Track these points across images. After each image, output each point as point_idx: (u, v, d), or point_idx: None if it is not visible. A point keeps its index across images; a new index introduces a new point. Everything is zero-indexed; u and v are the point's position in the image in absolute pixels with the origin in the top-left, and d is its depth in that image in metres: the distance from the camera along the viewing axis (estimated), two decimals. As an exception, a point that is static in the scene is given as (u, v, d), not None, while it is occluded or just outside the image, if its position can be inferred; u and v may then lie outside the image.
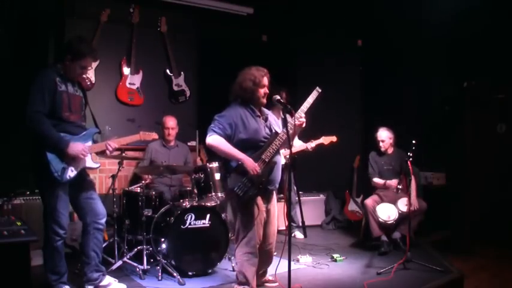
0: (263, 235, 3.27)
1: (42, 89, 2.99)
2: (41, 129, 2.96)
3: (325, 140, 4.99)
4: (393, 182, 4.81)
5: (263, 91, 3.20)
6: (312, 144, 4.98)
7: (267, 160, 3.12)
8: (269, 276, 3.55)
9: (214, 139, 3.11)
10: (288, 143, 3.04)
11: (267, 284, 3.54)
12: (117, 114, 5.31)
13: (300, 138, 5.11)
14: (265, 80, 3.20)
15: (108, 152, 3.30)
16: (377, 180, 5.00)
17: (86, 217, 3.26)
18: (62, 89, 3.09)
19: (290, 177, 3.12)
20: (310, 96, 3.22)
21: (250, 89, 3.17)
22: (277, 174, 3.21)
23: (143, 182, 4.30)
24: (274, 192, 3.40)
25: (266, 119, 3.30)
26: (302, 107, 3.20)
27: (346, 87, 6.40)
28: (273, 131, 3.25)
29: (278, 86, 4.99)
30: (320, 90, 3.23)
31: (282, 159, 5.08)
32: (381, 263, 4.24)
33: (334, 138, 5.00)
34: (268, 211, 3.29)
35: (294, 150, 5.00)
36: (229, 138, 3.14)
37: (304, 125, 3.21)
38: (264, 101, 3.22)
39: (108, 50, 5.23)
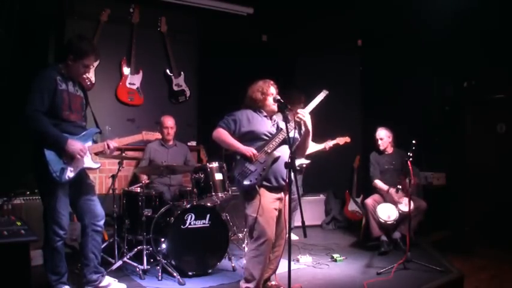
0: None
1: (41, 87, 2.99)
2: (39, 127, 2.96)
3: (340, 140, 5.23)
4: (394, 193, 4.74)
5: (271, 99, 3.38)
6: (329, 144, 5.18)
7: (269, 151, 3.23)
8: (272, 281, 3.50)
9: (217, 132, 3.34)
10: (288, 143, 3.04)
11: None
12: (117, 114, 5.31)
13: (313, 139, 5.18)
14: (272, 89, 3.41)
15: (108, 151, 3.29)
16: (380, 184, 4.97)
17: (85, 218, 3.26)
18: (63, 87, 3.08)
19: (290, 177, 3.09)
20: (317, 98, 3.29)
21: (259, 99, 3.40)
22: (282, 168, 3.20)
23: (143, 182, 4.30)
24: (287, 195, 3.34)
25: (274, 121, 3.45)
26: (307, 107, 3.27)
27: (346, 87, 6.39)
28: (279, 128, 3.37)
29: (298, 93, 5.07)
30: (327, 93, 3.30)
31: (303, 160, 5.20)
32: (381, 263, 4.25)
33: (348, 139, 5.24)
34: (279, 211, 3.29)
35: (310, 151, 5.09)
36: (233, 133, 3.32)
37: (303, 120, 3.20)
38: (275, 108, 3.39)
39: (108, 50, 5.23)
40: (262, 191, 3.20)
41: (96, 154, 3.36)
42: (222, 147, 3.45)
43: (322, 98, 3.30)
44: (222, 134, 3.31)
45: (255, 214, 3.16)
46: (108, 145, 3.27)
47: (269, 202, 3.20)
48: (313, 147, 5.23)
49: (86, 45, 3.14)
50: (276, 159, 3.21)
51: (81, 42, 3.14)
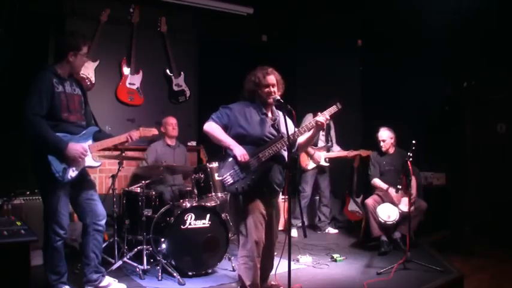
0: (264, 239, 3.15)
1: (39, 91, 3.00)
2: (39, 132, 2.97)
3: (363, 152, 5.56)
4: (393, 193, 4.73)
5: (267, 90, 3.10)
6: (351, 153, 5.60)
7: (263, 159, 3.02)
8: (271, 281, 3.47)
9: (209, 125, 3.11)
10: (289, 144, 2.99)
11: None
12: (117, 114, 5.32)
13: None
14: (269, 79, 3.10)
15: (130, 142, 3.38)
16: (379, 183, 4.96)
17: (86, 218, 3.26)
18: (60, 90, 3.09)
19: (289, 178, 3.07)
20: (328, 110, 3.12)
21: (252, 90, 3.13)
22: (275, 176, 3.10)
23: (143, 182, 4.30)
24: (280, 197, 3.31)
25: (275, 120, 3.18)
26: (317, 117, 3.08)
27: (346, 87, 6.39)
28: (280, 133, 3.13)
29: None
30: (340, 106, 3.15)
31: (323, 161, 5.50)
32: (381, 263, 4.24)
33: (370, 153, 5.43)
34: (270, 215, 3.19)
35: (334, 155, 5.58)
36: (225, 128, 3.10)
37: (323, 127, 3.14)
38: (271, 101, 3.10)
39: (108, 50, 5.24)
40: (251, 196, 3.06)
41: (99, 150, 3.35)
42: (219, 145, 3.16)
43: (334, 111, 3.16)
44: (214, 128, 3.07)
45: (241, 219, 3.08)
46: (130, 137, 3.35)
47: (257, 207, 3.08)
48: (336, 153, 5.62)
49: (78, 37, 3.19)
50: (269, 168, 3.05)
51: (74, 36, 3.18)
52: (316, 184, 5.77)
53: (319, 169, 5.68)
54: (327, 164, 5.66)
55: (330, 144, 5.67)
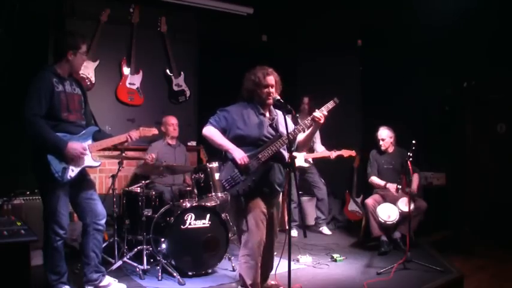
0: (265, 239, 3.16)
1: (39, 91, 3.00)
2: (38, 132, 2.97)
3: (344, 152, 5.43)
4: (393, 187, 4.77)
5: (266, 91, 3.09)
6: (334, 154, 5.41)
7: (262, 160, 3.01)
8: (271, 281, 3.47)
9: (207, 129, 3.12)
10: (289, 144, 3.00)
11: None
12: (117, 114, 5.32)
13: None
14: (269, 80, 3.09)
15: (131, 142, 3.40)
16: (376, 180, 4.98)
17: (86, 218, 3.26)
18: (59, 89, 3.10)
19: (290, 178, 3.06)
20: (329, 104, 3.06)
21: (251, 89, 3.13)
22: (275, 176, 3.10)
23: (143, 182, 4.30)
24: (280, 197, 3.30)
25: (273, 119, 3.17)
26: (314, 113, 3.05)
27: (346, 87, 6.39)
28: (278, 132, 3.12)
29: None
30: (338, 101, 3.07)
31: (302, 162, 5.41)
32: (381, 263, 4.25)
33: (353, 153, 5.45)
34: (270, 215, 3.19)
35: (316, 155, 5.47)
36: (224, 131, 3.11)
37: (321, 123, 3.07)
38: (270, 101, 3.11)
39: (108, 50, 5.24)
40: (252, 196, 3.05)
41: (98, 150, 3.35)
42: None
43: (331, 107, 3.08)
44: (212, 132, 3.08)
45: (243, 219, 3.08)
46: (130, 137, 3.36)
47: (259, 205, 3.07)
48: (319, 153, 5.51)
49: (77, 36, 3.20)
50: (269, 169, 3.05)
51: (73, 35, 3.20)
52: (307, 184, 5.64)
53: (300, 171, 5.48)
54: (307, 165, 5.50)
55: (312, 144, 5.50)
